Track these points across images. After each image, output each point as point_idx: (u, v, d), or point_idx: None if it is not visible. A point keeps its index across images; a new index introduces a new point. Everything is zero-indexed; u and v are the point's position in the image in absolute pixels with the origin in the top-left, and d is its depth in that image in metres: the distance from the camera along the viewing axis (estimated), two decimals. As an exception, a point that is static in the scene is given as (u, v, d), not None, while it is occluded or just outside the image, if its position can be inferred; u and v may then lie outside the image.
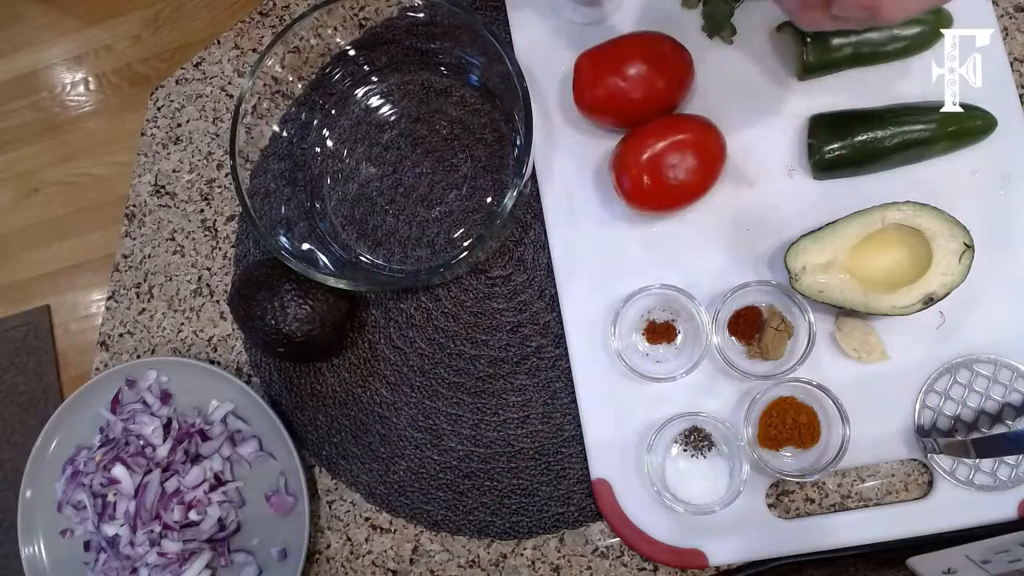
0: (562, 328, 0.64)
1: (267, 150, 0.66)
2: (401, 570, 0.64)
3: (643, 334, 0.62)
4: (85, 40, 1.75)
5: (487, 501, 0.63)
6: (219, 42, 0.75)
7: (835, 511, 0.60)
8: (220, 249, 0.71)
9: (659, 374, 0.60)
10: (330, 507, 0.66)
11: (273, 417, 0.64)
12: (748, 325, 0.60)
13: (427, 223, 0.67)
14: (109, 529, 0.63)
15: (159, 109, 0.75)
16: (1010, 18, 0.64)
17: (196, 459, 0.64)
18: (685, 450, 0.59)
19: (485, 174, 0.67)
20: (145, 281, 0.72)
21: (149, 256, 0.73)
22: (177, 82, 0.75)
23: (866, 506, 0.60)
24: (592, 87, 0.60)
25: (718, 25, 0.64)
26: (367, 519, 0.65)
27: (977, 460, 0.57)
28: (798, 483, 0.60)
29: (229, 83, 0.74)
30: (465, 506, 0.64)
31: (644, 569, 0.61)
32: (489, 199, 0.66)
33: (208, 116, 0.74)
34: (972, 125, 0.59)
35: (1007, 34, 0.64)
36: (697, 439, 0.59)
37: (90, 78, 1.74)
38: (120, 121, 1.70)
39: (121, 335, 0.72)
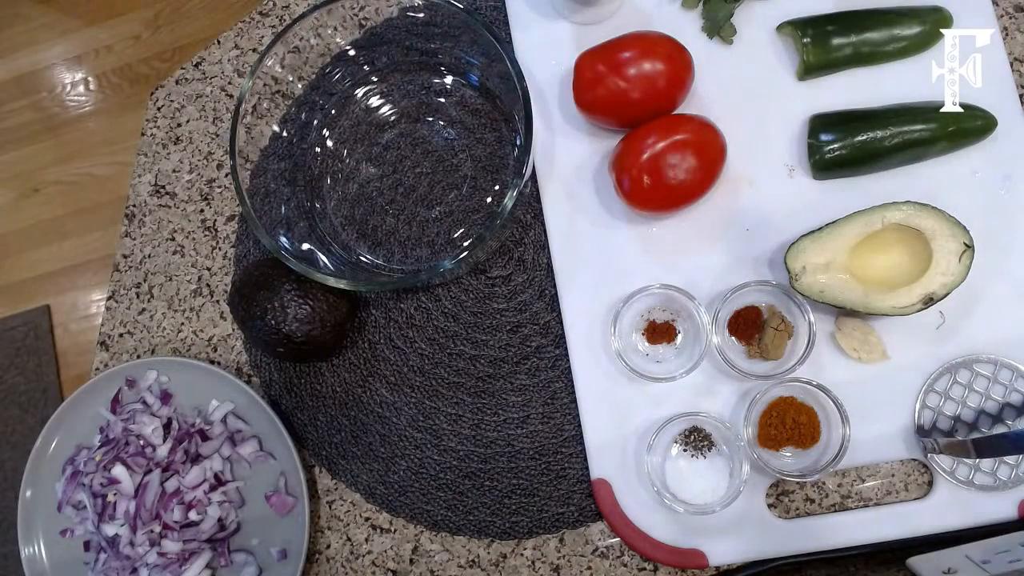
0: (562, 328, 0.64)
1: (267, 150, 0.66)
2: (401, 570, 0.64)
3: (643, 334, 0.62)
4: (85, 40, 1.75)
5: (487, 501, 0.63)
6: (219, 42, 0.75)
7: (835, 511, 0.60)
8: (220, 249, 0.71)
9: (659, 374, 0.60)
10: (330, 507, 0.66)
11: (273, 417, 0.64)
12: (748, 325, 0.60)
13: (427, 223, 0.67)
14: (109, 529, 0.63)
15: (159, 109, 0.75)
16: (1010, 18, 0.64)
17: (196, 459, 0.64)
18: (685, 450, 0.59)
19: (485, 174, 0.67)
20: (145, 281, 0.72)
21: (149, 256, 0.73)
22: (177, 82, 0.75)
23: (866, 506, 0.60)
24: (592, 87, 0.60)
25: (718, 25, 0.64)
26: (367, 519, 0.65)
27: (977, 460, 0.57)
28: (798, 483, 0.60)
29: (229, 83, 0.74)
30: (465, 506, 0.64)
31: (644, 569, 0.61)
32: (489, 199, 0.66)
33: (208, 116, 0.74)
34: (972, 125, 0.59)
35: (1007, 34, 0.64)
36: (697, 439, 0.59)
37: (90, 78, 1.74)
38: (120, 121, 1.70)
39: (121, 335, 0.72)
